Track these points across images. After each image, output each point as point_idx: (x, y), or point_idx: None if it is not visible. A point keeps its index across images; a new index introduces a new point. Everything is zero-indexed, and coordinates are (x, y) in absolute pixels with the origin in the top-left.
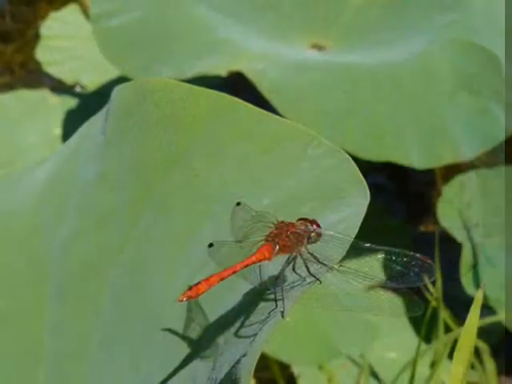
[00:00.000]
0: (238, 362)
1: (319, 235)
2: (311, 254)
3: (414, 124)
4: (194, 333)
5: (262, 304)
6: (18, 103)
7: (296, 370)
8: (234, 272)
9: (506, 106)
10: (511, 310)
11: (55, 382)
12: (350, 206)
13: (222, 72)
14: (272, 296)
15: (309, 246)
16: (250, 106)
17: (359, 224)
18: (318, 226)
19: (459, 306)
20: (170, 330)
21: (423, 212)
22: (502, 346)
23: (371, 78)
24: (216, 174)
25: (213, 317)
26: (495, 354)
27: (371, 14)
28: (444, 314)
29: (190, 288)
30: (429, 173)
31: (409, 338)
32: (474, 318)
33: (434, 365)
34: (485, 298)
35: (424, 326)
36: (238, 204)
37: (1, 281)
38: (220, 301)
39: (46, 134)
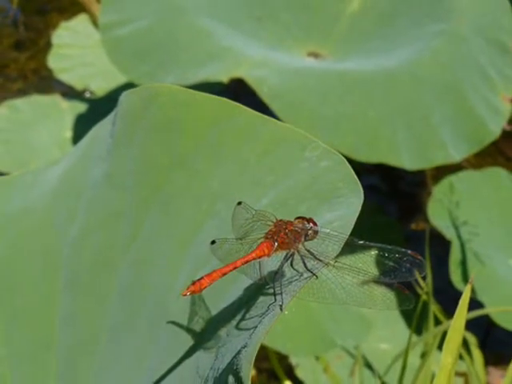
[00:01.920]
0: (239, 352)
1: (316, 233)
2: (308, 251)
3: (406, 127)
4: (198, 325)
5: (262, 298)
6: (31, 108)
7: (294, 360)
8: (234, 268)
9: (492, 111)
10: (498, 304)
11: (66, 372)
12: (345, 205)
13: (224, 78)
14: (271, 290)
15: (306, 243)
16: (250, 110)
17: (354, 222)
18: (315, 224)
19: (448, 299)
20: (174, 323)
21: (414, 211)
22: (489, 338)
23: (365, 84)
24: (218, 175)
25: (215, 310)
26: (483, 345)
27: (365, 23)
28: (434, 308)
29: (194, 283)
30: (419, 174)
31: (401, 331)
32: (462, 311)
33: (424, 355)
34: (473, 292)
35: (415, 319)
36: (239, 203)
37: (15, 275)
38: (222, 295)
39: (57, 137)
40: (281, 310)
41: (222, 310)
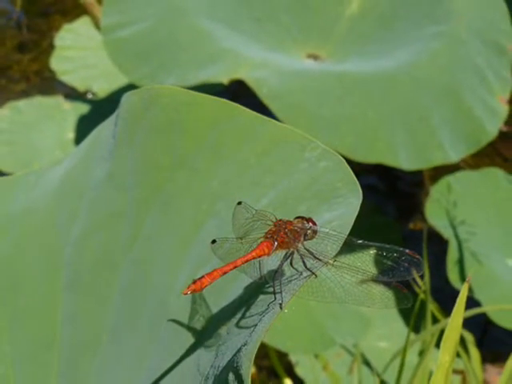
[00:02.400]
0: (239, 350)
1: (315, 232)
2: (307, 250)
3: (404, 128)
4: (198, 324)
5: (262, 297)
6: (33, 109)
7: (293, 358)
8: (235, 267)
9: (490, 112)
10: (495, 303)
11: (68, 371)
12: (344, 205)
13: (224, 80)
14: (271, 289)
15: (305, 243)
16: (250, 111)
17: (352, 222)
18: (314, 223)
19: (446, 298)
20: (175, 321)
21: (412, 211)
22: (486, 336)
23: (363, 86)
24: (218, 175)
25: (216, 309)
26: (480, 343)
27: (364, 25)
28: (431, 306)
29: (194, 282)
30: (417, 174)
31: (399, 329)
32: (459, 310)
33: (422, 353)
34: (470, 290)
35: (413, 318)
36: (239, 203)
37: (18, 275)
38: (222, 294)
39: (59, 138)
40: (280, 308)
41: (222, 309)
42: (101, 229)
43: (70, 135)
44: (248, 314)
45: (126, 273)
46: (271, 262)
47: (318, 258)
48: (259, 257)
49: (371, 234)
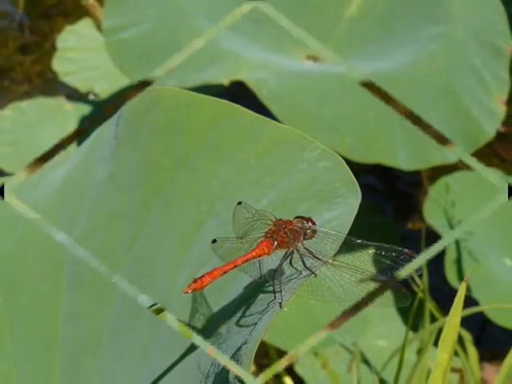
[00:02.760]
0: (239, 349)
1: (314, 232)
2: (307, 250)
3: (403, 129)
4: (199, 322)
5: (262, 296)
6: (36, 110)
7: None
8: (235, 266)
9: (487, 113)
10: (492, 301)
11: (69, 371)
12: (343, 205)
13: (224, 81)
14: (271, 288)
15: (305, 242)
16: (250, 112)
17: (351, 221)
18: (314, 223)
19: (444, 297)
20: (175, 320)
21: (411, 210)
22: (484, 335)
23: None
24: (218, 175)
25: (216, 307)
26: (478, 342)
27: (363, 26)
28: (430, 305)
29: (195, 281)
30: (416, 174)
31: (397, 327)
32: (457, 309)
33: (420, 352)
34: (468, 289)
35: (411, 316)
36: (239, 203)
37: (20, 274)
38: (223, 293)
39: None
40: (280, 307)
41: (222, 308)
42: (102, 229)
43: None
44: (248, 312)
45: (127, 273)
46: (271, 261)
47: (317, 258)
48: (259, 256)
49: (370, 233)
